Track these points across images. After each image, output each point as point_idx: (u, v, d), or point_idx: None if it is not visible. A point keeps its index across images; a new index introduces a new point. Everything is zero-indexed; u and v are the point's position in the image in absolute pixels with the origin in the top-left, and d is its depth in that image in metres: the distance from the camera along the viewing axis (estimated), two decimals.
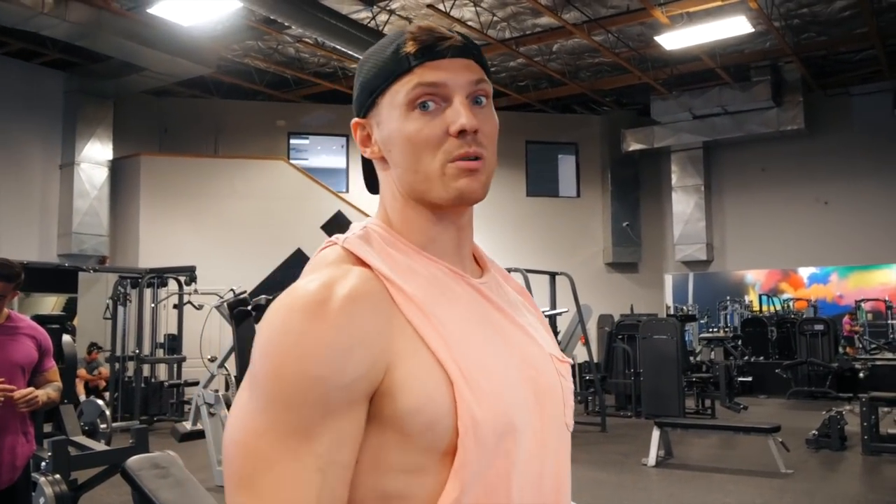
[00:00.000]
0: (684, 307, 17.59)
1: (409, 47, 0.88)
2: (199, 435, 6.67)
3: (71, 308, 12.26)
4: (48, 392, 2.93)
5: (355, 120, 0.95)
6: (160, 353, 10.66)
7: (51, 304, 13.03)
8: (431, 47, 0.88)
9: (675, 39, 10.78)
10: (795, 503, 5.89)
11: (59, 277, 11.84)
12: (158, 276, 10.42)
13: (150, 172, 12.32)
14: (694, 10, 10.35)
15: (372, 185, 1.01)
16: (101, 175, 12.25)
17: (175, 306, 10.63)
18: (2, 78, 11.73)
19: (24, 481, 2.99)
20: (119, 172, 12.52)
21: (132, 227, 12.20)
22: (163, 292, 10.68)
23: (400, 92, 0.88)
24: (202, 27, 10.08)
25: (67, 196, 12.00)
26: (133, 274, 10.49)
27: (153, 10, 9.16)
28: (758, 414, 10.55)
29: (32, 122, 12.03)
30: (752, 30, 10.76)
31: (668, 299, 16.24)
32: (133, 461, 3.28)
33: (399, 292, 0.84)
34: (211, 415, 6.60)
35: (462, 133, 0.87)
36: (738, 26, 10.35)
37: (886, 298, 16.49)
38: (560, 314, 10.10)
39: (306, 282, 0.81)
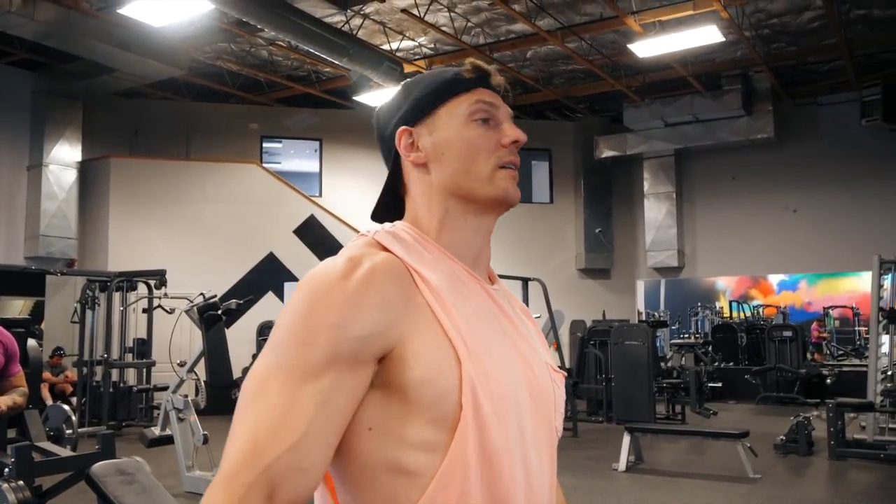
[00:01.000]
0: (656, 313, 17.73)
1: (470, 73, 1.06)
2: (168, 440, 6.59)
3: (38, 312, 12.08)
4: (13, 398, 2.86)
5: (404, 127, 1.06)
6: (129, 357, 10.53)
7: (17, 307, 12.83)
8: (487, 78, 1.07)
9: (647, 47, 10.87)
10: None
11: (26, 280, 11.67)
12: (128, 280, 10.30)
13: (120, 175, 12.19)
14: (666, 19, 10.46)
15: (380, 212, 1.12)
16: (69, 177, 12.08)
17: (144, 310, 10.50)
18: None
19: None
20: (88, 175, 12.36)
21: (101, 230, 12.04)
22: (132, 296, 10.55)
23: (462, 105, 1.04)
24: (174, 28, 9.96)
25: (35, 198, 11.82)
26: (102, 277, 10.36)
27: (124, 11, 9.02)
28: (727, 419, 10.69)
29: None
30: (724, 39, 10.88)
31: (640, 305, 16.39)
32: (98, 467, 3.24)
33: (420, 278, 0.94)
34: (180, 420, 6.52)
35: (513, 144, 1.04)
36: (709, 35, 10.46)
37: (854, 305, 16.74)
38: None
39: (339, 256, 0.94)
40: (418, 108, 1.05)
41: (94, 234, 12.25)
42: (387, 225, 1.04)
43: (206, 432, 6.41)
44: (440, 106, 1.04)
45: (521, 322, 1.07)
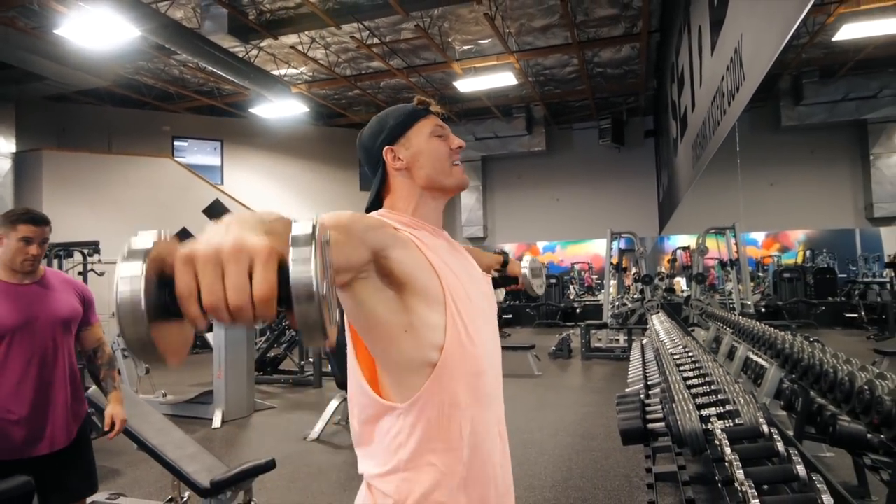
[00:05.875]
0: None
1: (422, 106, 1.13)
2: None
3: None
4: (117, 402, 2.26)
5: (388, 147, 1.09)
6: None
7: None
8: (430, 107, 1.14)
9: (465, 85, 11.20)
10: (545, 392, 6.51)
11: None
12: (64, 249, 9.27)
13: (51, 164, 10.79)
14: (479, 66, 10.87)
15: (371, 208, 1.12)
16: (4, 165, 10.51)
17: (80, 273, 9.50)
18: None
19: (84, 440, 2.20)
20: (22, 163, 10.80)
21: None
22: (68, 263, 9.50)
23: (425, 127, 1.11)
24: (101, 48, 8.94)
25: None
26: None
27: (59, 31, 8.00)
28: (517, 338, 11.19)
29: None
30: (515, 82, 11.43)
31: None
32: (92, 391, 3.07)
33: (403, 231, 0.99)
34: (125, 356, 6.13)
35: (459, 148, 1.13)
36: (506, 79, 10.96)
37: (589, 262, 18.30)
38: None
39: None
40: (395, 133, 1.09)
41: None
42: (375, 212, 1.08)
43: (147, 365, 6.07)
44: (409, 129, 1.09)
45: (466, 254, 1.16)
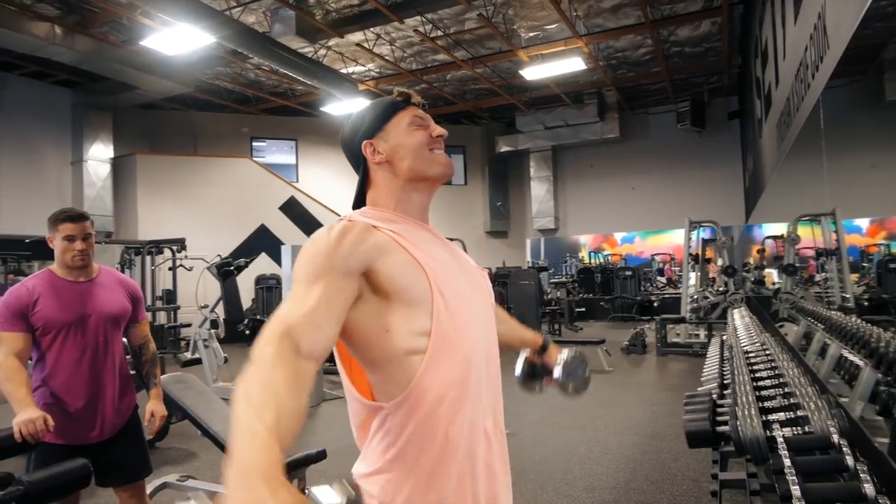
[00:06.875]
0: (539, 261, 18.09)
1: (401, 98, 1.11)
2: (197, 362, 6.53)
3: None
4: (156, 399, 2.35)
5: (367, 141, 1.08)
6: (159, 303, 10.22)
7: None
8: (410, 98, 1.12)
9: (532, 73, 11.02)
10: (614, 389, 6.31)
11: None
12: (156, 246, 9.94)
13: (144, 167, 11.63)
14: (546, 53, 10.63)
15: (357, 203, 1.11)
16: (104, 170, 11.45)
17: (170, 268, 10.17)
18: (20, 94, 10.72)
19: (133, 427, 2.29)
20: (119, 167, 11.73)
21: (131, 209, 11.52)
22: (159, 258, 10.20)
23: (404, 118, 1.09)
24: (183, 56, 9.51)
25: (78, 185, 11.18)
26: (136, 245, 9.97)
27: (145, 43, 8.59)
28: (589, 332, 11.08)
29: (46, 129, 11.05)
30: (585, 67, 11.14)
31: (528, 256, 16.78)
32: (165, 378, 3.25)
33: (384, 229, 0.99)
34: (206, 346, 6.47)
35: (439, 136, 1.11)
36: (575, 65, 10.69)
37: (671, 253, 17.52)
38: None
39: (324, 229, 0.98)
40: (374, 127, 1.08)
41: (126, 212, 11.72)
42: (357, 210, 1.07)
43: (225, 355, 6.39)
44: (387, 122, 1.08)
45: (456, 248, 1.13)
